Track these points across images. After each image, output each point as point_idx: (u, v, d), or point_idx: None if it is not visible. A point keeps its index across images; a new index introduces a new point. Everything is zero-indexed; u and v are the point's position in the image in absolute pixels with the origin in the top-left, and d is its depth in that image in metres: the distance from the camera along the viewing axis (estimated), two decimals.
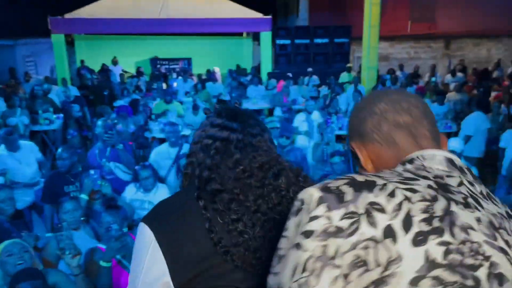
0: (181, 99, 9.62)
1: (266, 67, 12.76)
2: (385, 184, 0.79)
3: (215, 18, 12.12)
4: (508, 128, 6.45)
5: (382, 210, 0.75)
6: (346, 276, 0.72)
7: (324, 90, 10.37)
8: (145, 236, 1.09)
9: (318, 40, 12.76)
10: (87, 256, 2.68)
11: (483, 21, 15.92)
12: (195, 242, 1.06)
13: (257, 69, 12.94)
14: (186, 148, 5.13)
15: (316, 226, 0.76)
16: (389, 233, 0.73)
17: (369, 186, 0.79)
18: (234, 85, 10.42)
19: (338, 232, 0.74)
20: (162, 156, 5.08)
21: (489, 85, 11.06)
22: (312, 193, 0.80)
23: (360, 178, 0.81)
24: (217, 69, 12.96)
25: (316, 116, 7.08)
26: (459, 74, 12.86)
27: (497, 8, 15.71)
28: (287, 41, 12.70)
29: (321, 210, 0.77)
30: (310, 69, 11.73)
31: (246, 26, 13.22)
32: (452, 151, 0.96)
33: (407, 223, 0.74)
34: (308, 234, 0.76)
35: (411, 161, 0.90)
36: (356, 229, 0.74)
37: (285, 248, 0.81)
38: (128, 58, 14.65)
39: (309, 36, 12.77)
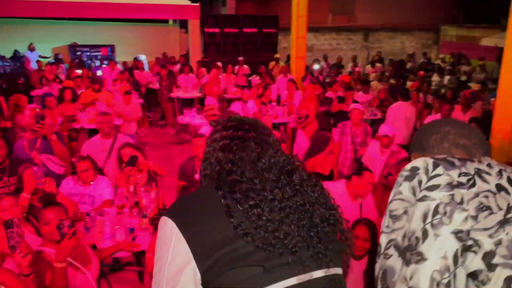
0: (108, 87, 9.15)
1: (196, 55, 12.57)
2: (480, 161, 1.00)
3: (140, 4, 11.64)
4: (425, 114, 7.05)
5: (488, 173, 0.96)
6: (474, 217, 0.90)
7: (255, 79, 10.48)
8: (168, 228, 1.14)
9: (247, 30, 12.80)
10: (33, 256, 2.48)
11: (397, 15, 17.10)
12: (216, 228, 1.11)
13: (185, 58, 12.70)
14: (121, 139, 4.91)
15: (440, 181, 0.95)
16: (500, 188, 0.94)
17: (469, 160, 0.99)
18: (164, 73, 10.13)
19: (460, 185, 0.93)
20: (95, 148, 4.82)
21: (405, 75, 11.92)
22: (425, 160, 1.00)
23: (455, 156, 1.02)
24: (143, 57, 12.50)
25: (252, 105, 7.15)
26: (378, 65, 13.69)
27: (409, 4, 16.94)
28: (216, 30, 12.58)
29: (440, 170, 0.96)
30: (241, 58, 11.75)
31: (173, 13, 12.87)
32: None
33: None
34: (432, 188, 0.95)
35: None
36: (474, 184, 0.93)
37: (401, 207, 0.98)
38: (44, 43, 13.55)
39: (237, 25, 12.76)
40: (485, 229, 0.89)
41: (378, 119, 7.87)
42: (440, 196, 0.92)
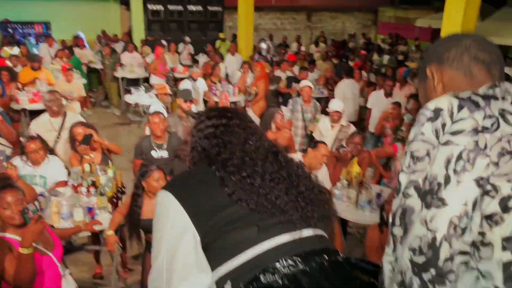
0: (47, 66, 8.67)
1: (139, 33, 12.16)
2: (503, 97, 0.99)
3: None
4: (370, 91, 7.38)
5: (511, 114, 0.95)
6: (495, 163, 0.90)
7: (202, 58, 10.37)
8: (166, 199, 1.21)
9: (192, 7, 12.51)
10: None
11: None
12: (211, 197, 1.20)
13: (129, 35, 12.24)
14: (72, 117, 4.75)
15: (465, 125, 0.93)
16: None
17: (493, 96, 0.98)
18: (107, 52, 9.74)
19: (484, 129, 0.92)
20: (44, 127, 4.62)
21: (346, 55, 12.32)
22: (450, 100, 0.97)
23: (479, 94, 0.99)
24: (82, 35, 11.91)
25: (202, 83, 7.11)
26: (322, 45, 14.01)
27: None
28: (160, 7, 12.18)
29: (465, 113, 0.94)
30: (187, 39, 11.51)
31: None
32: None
33: None
34: (457, 133, 0.92)
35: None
36: (498, 127, 0.92)
37: (423, 148, 0.97)
38: None
39: (182, 3, 12.43)
40: (505, 175, 0.90)
41: (324, 97, 8.15)
42: (464, 141, 0.91)
